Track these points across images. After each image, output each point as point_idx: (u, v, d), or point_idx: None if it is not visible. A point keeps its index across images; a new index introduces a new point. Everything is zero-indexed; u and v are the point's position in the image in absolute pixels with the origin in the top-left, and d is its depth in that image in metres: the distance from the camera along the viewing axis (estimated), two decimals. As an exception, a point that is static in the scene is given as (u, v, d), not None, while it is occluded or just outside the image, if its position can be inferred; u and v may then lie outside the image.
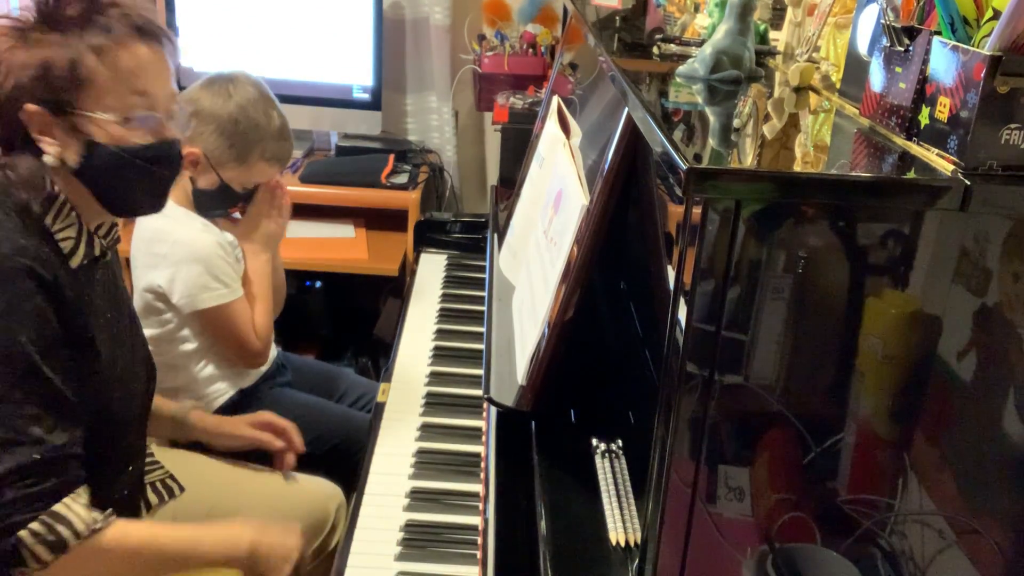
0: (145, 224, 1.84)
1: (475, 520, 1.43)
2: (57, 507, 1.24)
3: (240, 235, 1.92)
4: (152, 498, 1.60)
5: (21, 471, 1.22)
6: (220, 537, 1.43)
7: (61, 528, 1.24)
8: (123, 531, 1.31)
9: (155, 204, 1.41)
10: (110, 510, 1.32)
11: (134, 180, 1.34)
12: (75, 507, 1.26)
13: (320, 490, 1.79)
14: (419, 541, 1.40)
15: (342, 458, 1.89)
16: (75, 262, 1.30)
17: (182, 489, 1.65)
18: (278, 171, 1.92)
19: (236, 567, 1.43)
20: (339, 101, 2.85)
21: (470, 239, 2.40)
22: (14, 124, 1.27)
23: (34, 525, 1.23)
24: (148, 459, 1.62)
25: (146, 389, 1.50)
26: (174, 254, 1.78)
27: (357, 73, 2.84)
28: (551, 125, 1.72)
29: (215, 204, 1.88)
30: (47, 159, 1.28)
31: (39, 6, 1.28)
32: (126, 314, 1.46)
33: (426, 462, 1.57)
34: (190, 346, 1.86)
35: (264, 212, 1.92)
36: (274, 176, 1.92)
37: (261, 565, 1.42)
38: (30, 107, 1.26)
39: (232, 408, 1.89)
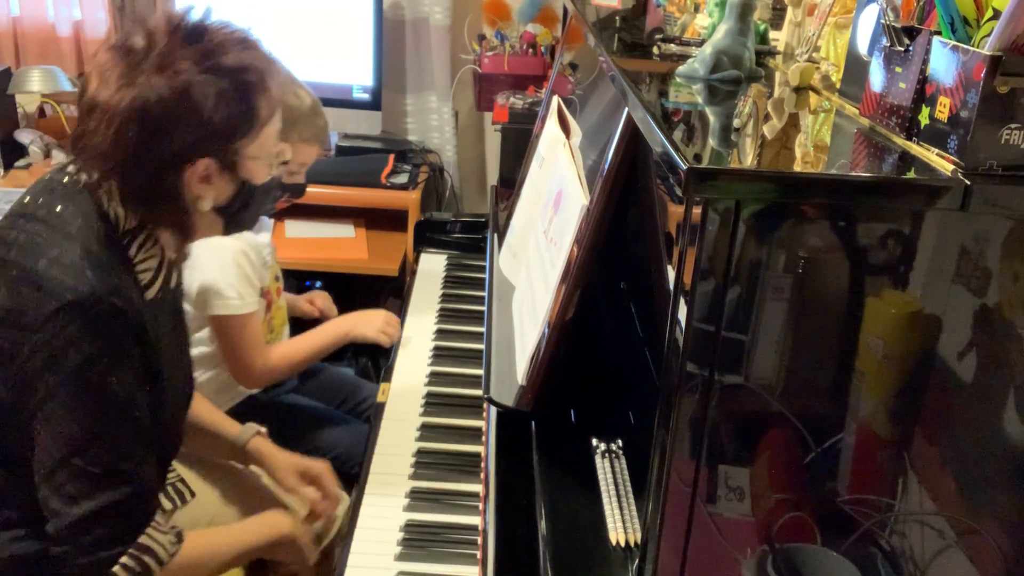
0: None
1: (475, 520, 1.43)
2: (143, 539, 1.28)
3: (349, 316, 2.00)
4: (166, 503, 1.60)
5: (113, 507, 1.24)
6: (263, 528, 1.51)
7: (147, 559, 1.28)
8: (189, 547, 1.35)
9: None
10: (179, 530, 1.35)
11: (263, 207, 1.39)
12: (157, 536, 1.29)
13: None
14: (419, 541, 1.40)
15: (343, 467, 1.89)
16: (151, 294, 1.28)
17: (193, 494, 1.65)
18: (318, 150, 1.88)
19: (279, 551, 1.54)
20: (339, 101, 2.85)
21: (470, 239, 2.40)
22: (169, 178, 1.23)
23: (125, 559, 1.26)
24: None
25: (187, 403, 1.50)
26: (198, 255, 1.77)
27: (357, 73, 2.84)
28: (551, 125, 1.72)
29: None
30: (203, 205, 1.27)
31: (197, 49, 1.21)
32: (184, 338, 1.46)
33: (426, 462, 1.57)
34: (205, 349, 1.85)
35: (383, 324, 1.96)
36: (316, 156, 1.89)
37: (299, 544, 1.53)
38: (203, 161, 1.22)
39: (237, 414, 1.88)
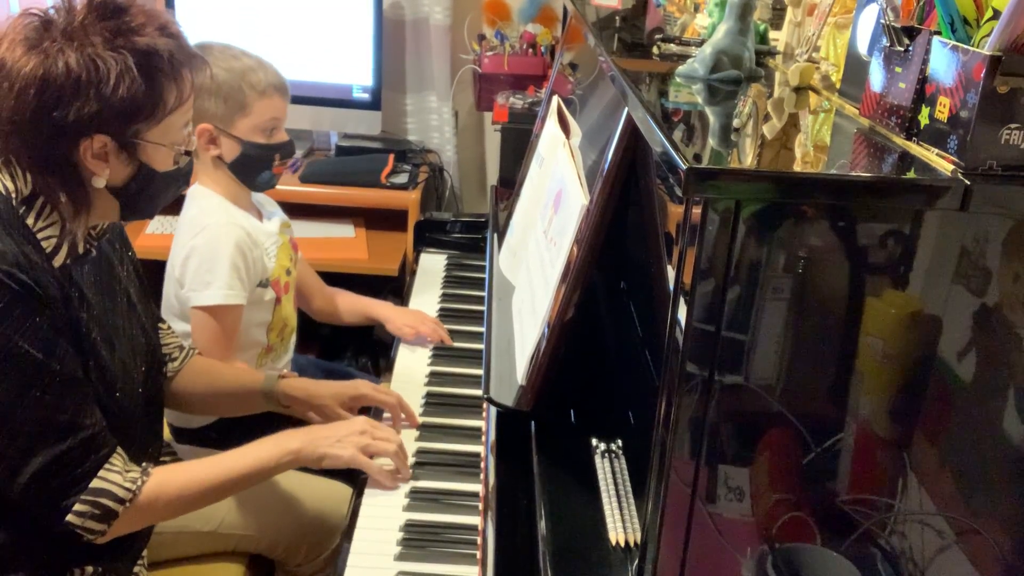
0: (185, 215, 1.82)
1: (475, 520, 1.43)
2: (95, 483, 1.29)
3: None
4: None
5: (58, 460, 1.26)
6: (265, 449, 1.46)
7: (104, 500, 1.30)
8: (163, 479, 1.36)
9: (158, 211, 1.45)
10: (145, 465, 1.36)
11: (163, 196, 1.39)
12: (112, 476, 1.31)
13: (335, 491, 1.78)
14: (419, 541, 1.40)
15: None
16: (58, 261, 1.29)
17: None
18: (282, 101, 1.85)
19: (292, 465, 1.49)
20: (339, 101, 2.85)
21: (470, 239, 2.40)
22: (63, 147, 1.24)
23: (78, 506, 1.28)
24: (164, 449, 1.62)
25: (147, 379, 1.48)
26: (195, 245, 1.77)
27: (357, 73, 2.84)
28: (551, 125, 1.73)
29: (255, 168, 1.84)
30: (96, 182, 1.28)
31: (111, 25, 1.24)
32: (122, 305, 1.44)
33: (426, 462, 1.57)
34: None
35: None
36: (283, 108, 1.86)
37: (318, 454, 1.47)
38: (100, 138, 1.25)
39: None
